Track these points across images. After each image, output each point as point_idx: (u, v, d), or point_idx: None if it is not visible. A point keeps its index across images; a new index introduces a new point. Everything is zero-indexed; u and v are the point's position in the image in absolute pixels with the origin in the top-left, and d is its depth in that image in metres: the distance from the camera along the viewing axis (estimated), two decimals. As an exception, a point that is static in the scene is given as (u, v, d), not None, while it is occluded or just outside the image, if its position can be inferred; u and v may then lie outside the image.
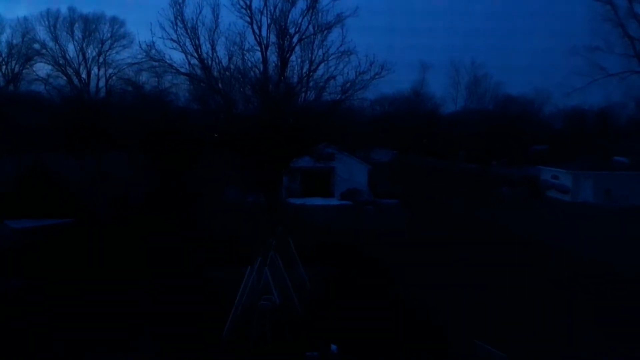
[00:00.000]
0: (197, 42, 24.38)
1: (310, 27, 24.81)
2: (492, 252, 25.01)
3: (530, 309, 17.28)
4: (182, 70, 25.34)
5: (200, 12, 24.26)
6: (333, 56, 24.65)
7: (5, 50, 57.21)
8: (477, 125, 61.95)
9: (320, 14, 24.63)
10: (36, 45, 56.99)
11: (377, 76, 24.36)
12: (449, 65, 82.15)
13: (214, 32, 24.52)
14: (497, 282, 19.94)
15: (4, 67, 57.55)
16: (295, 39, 24.96)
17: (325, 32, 24.76)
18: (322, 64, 24.89)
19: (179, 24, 24.02)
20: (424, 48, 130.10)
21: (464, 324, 15.56)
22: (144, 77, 47.65)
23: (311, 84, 25.29)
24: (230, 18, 25.14)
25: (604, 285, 19.94)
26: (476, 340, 13.37)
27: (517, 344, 13.99)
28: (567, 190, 45.12)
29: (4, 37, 57.31)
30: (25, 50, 57.14)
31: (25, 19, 58.17)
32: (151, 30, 24.12)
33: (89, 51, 59.14)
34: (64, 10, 59.68)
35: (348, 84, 24.66)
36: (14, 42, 57.28)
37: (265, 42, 24.88)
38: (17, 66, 57.81)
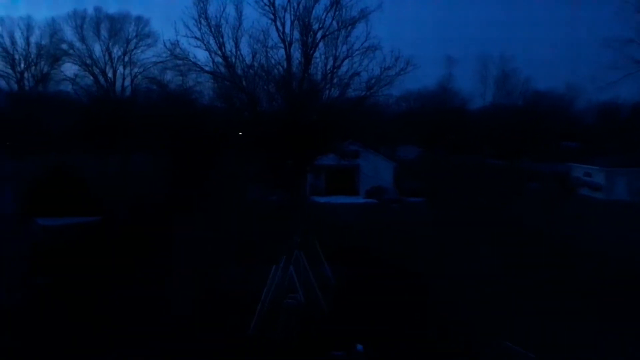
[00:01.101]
0: (220, 40, 24.32)
1: (334, 23, 24.49)
2: (525, 254, 24.26)
3: (562, 311, 16.65)
4: (206, 68, 25.34)
5: (223, 10, 24.19)
6: (357, 52, 24.29)
7: (34, 51, 58.41)
8: (506, 121, 60.61)
9: (344, 10, 24.28)
10: (64, 46, 57.85)
11: (402, 72, 23.96)
12: (476, 59, 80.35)
13: (237, 30, 24.43)
14: (526, 284, 19.36)
15: (33, 67, 58.75)
16: (319, 35, 24.66)
17: (350, 27, 24.40)
18: (347, 60, 24.56)
19: (202, 22, 24.00)
20: (451, 42, 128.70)
21: (493, 325, 15.08)
22: (168, 75, 48.06)
23: (335, 80, 24.98)
24: (253, 15, 25.05)
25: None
26: (505, 342, 12.99)
27: (548, 347, 13.51)
28: (600, 188, 43.80)
29: (33, 39, 58.51)
30: (53, 51, 58.11)
31: (53, 20, 59.18)
32: (175, 28, 24.24)
33: (115, 50, 59.73)
34: (90, 10, 60.35)
35: (373, 80, 24.30)
36: (43, 43, 58.45)
37: (288, 39, 24.62)
38: (45, 67, 58.90)
